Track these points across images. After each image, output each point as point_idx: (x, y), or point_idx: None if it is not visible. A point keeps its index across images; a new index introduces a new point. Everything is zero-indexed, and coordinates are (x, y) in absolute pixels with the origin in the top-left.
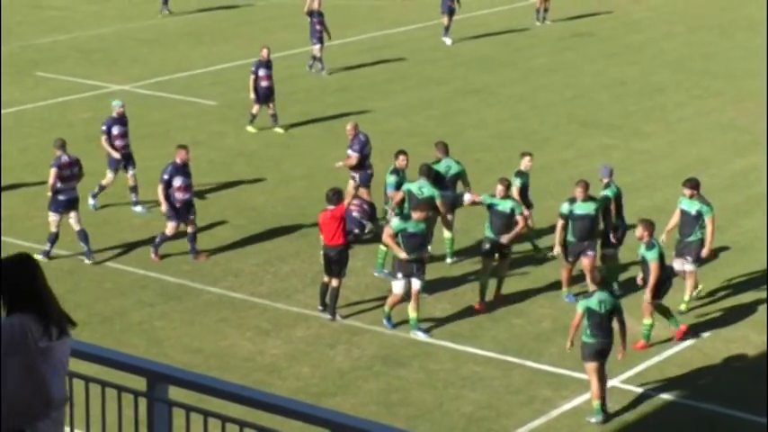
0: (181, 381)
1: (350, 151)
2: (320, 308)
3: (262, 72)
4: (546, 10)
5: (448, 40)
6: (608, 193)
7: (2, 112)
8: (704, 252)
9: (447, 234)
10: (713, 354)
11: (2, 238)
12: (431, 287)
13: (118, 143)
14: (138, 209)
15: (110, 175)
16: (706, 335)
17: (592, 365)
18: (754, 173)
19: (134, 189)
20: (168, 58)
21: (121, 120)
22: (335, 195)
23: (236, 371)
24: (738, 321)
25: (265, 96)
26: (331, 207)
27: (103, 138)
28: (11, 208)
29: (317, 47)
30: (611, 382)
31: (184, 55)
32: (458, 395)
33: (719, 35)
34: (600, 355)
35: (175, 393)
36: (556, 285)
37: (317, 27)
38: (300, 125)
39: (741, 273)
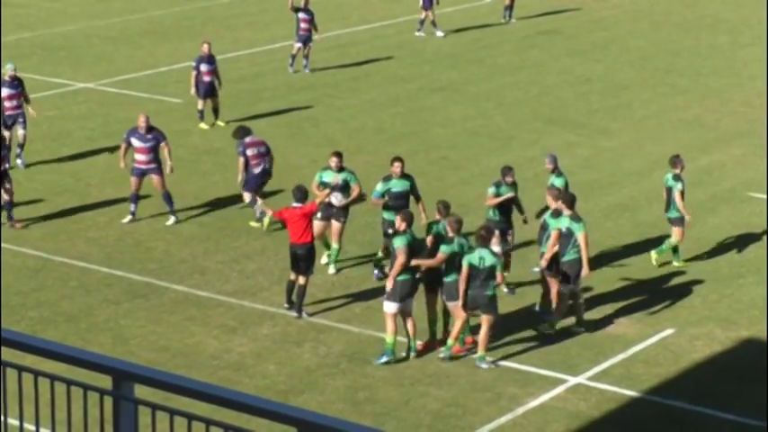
0: (147, 379)
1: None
2: (286, 305)
3: (204, 67)
4: (511, 8)
5: (439, 33)
6: (558, 182)
7: None
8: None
9: (334, 245)
10: (678, 350)
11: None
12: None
13: (7, 104)
14: (19, 162)
15: (6, 133)
16: (671, 331)
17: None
18: (718, 170)
19: (21, 146)
20: (133, 56)
21: (12, 83)
22: (301, 193)
23: (202, 369)
24: (703, 318)
25: (207, 91)
26: (298, 205)
27: None
28: None
29: (298, 45)
30: (576, 379)
31: (149, 53)
32: (424, 392)
33: (684, 32)
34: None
35: (141, 392)
36: (521, 284)
37: (302, 26)
38: (267, 123)
39: (706, 269)
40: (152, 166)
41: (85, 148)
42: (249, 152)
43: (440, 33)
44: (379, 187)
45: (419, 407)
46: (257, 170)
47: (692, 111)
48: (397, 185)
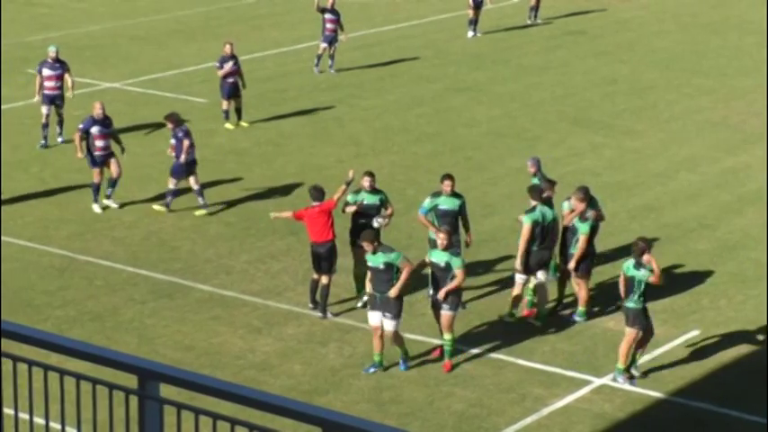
0: (172, 378)
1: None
2: (311, 306)
3: (226, 67)
4: (537, 8)
5: (470, 33)
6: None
7: (1, 108)
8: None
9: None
10: (704, 352)
11: (1, 237)
12: (422, 285)
13: (47, 84)
14: (60, 140)
15: (44, 110)
16: (696, 333)
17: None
18: (744, 171)
19: (60, 123)
20: (159, 56)
21: (54, 64)
22: (318, 192)
23: (227, 368)
24: (729, 319)
25: (230, 91)
26: (316, 203)
27: (37, 79)
28: (3, 206)
29: (324, 45)
30: (601, 380)
31: (175, 52)
32: (449, 393)
33: (710, 33)
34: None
35: (167, 391)
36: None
37: (328, 26)
38: (292, 123)
39: (732, 271)
40: (110, 151)
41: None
42: (187, 141)
43: (470, 34)
44: (427, 203)
45: (443, 407)
46: (187, 159)
47: (717, 112)
48: (446, 203)
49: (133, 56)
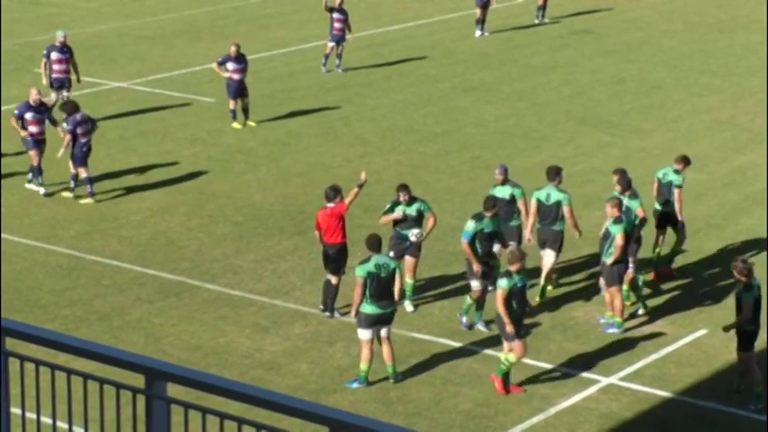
0: (179, 378)
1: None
2: (321, 307)
3: (231, 66)
4: (544, 8)
5: (478, 33)
6: (500, 193)
7: (1, 108)
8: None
9: (408, 281)
10: (711, 351)
11: (1, 235)
12: (431, 285)
13: (56, 67)
14: (65, 125)
15: (53, 95)
16: (704, 332)
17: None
18: (752, 170)
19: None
20: (167, 56)
21: (62, 49)
22: (334, 193)
23: (234, 368)
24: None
25: (237, 91)
26: (330, 205)
27: (43, 62)
28: (7, 205)
29: (331, 45)
30: (608, 380)
31: (182, 52)
32: (456, 392)
33: (718, 32)
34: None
35: (174, 390)
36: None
37: (336, 25)
38: (299, 122)
39: None
40: (44, 137)
41: (119, 147)
42: (79, 129)
43: (478, 33)
44: (470, 227)
45: (451, 407)
46: (83, 146)
47: (725, 111)
48: (490, 225)
49: (140, 55)
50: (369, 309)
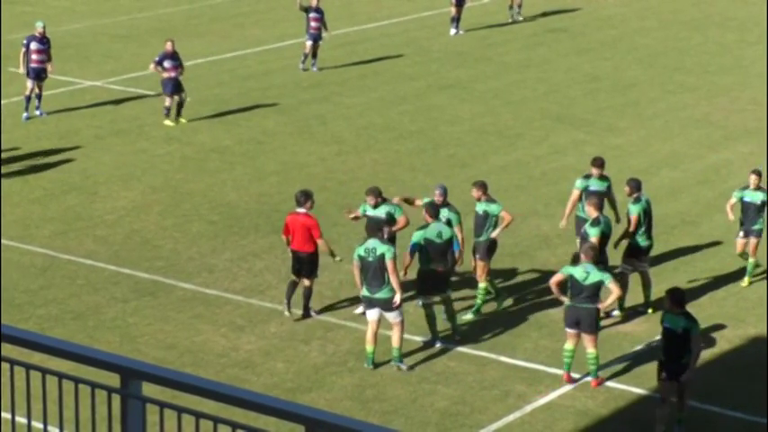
0: (154, 377)
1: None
2: (285, 306)
3: (167, 64)
4: (519, 6)
5: (453, 31)
6: (449, 216)
7: None
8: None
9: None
10: None
11: None
12: (406, 285)
13: (34, 57)
14: (38, 112)
15: (29, 84)
16: None
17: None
18: (726, 168)
19: (39, 97)
20: (141, 54)
21: (41, 40)
22: (305, 198)
23: (210, 367)
24: (710, 315)
25: (174, 88)
26: (301, 210)
27: (22, 51)
28: None
29: (309, 43)
30: (584, 378)
31: (157, 51)
32: (432, 390)
33: (692, 30)
34: None
35: (149, 390)
36: (528, 281)
37: (312, 24)
38: (274, 121)
39: (713, 267)
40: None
41: (93, 146)
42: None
43: (453, 31)
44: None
45: (427, 405)
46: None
47: (700, 109)
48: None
49: (115, 54)
50: (363, 291)
